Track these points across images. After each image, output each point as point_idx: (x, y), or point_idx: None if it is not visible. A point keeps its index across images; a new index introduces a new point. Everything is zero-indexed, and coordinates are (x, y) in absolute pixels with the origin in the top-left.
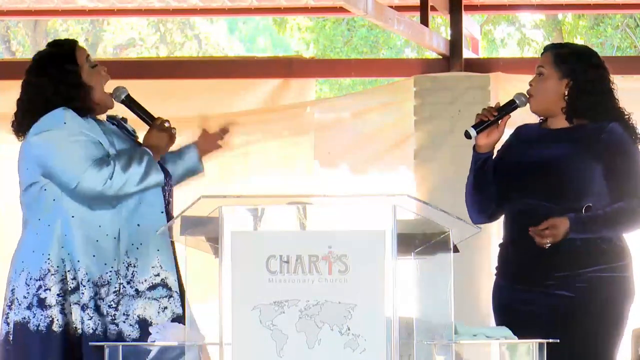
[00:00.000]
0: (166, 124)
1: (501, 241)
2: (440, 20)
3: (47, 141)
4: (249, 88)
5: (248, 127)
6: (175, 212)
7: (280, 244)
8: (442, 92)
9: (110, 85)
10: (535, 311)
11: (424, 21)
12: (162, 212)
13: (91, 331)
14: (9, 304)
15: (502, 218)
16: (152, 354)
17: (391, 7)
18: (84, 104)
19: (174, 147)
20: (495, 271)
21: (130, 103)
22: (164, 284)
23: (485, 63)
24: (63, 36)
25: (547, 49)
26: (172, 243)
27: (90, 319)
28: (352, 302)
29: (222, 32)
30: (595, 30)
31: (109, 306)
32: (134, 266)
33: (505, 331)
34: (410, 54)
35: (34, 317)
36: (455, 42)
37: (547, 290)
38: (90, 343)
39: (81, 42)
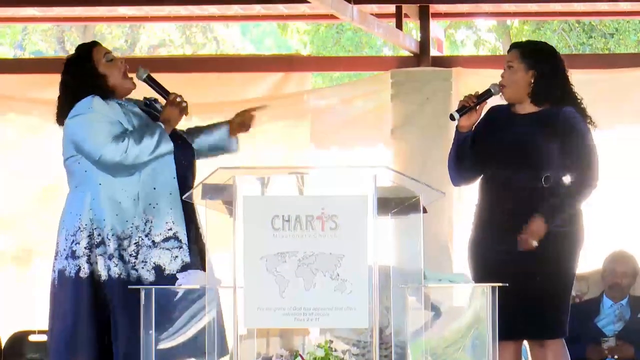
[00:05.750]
0: (178, 99)
1: (477, 202)
2: (412, 25)
3: (78, 123)
4: (257, 80)
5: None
6: (197, 181)
7: (283, 206)
8: (413, 83)
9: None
10: (506, 260)
11: (399, 26)
12: (174, 178)
13: (116, 276)
14: (55, 255)
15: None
16: (178, 295)
17: (372, 14)
18: (104, 90)
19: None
20: (472, 227)
21: (150, 81)
22: (176, 237)
23: (448, 60)
24: (107, 38)
25: (514, 46)
26: (182, 203)
27: (116, 266)
28: (341, 253)
29: (236, 35)
30: (537, 33)
31: (130, 255)
32: (151, 222)
33: (464, 277)
34: (388, 52)
35: (68, 265)
36: (424, 43)
37: (516, 243)
38: (129, 287)
39: (121, 43)
